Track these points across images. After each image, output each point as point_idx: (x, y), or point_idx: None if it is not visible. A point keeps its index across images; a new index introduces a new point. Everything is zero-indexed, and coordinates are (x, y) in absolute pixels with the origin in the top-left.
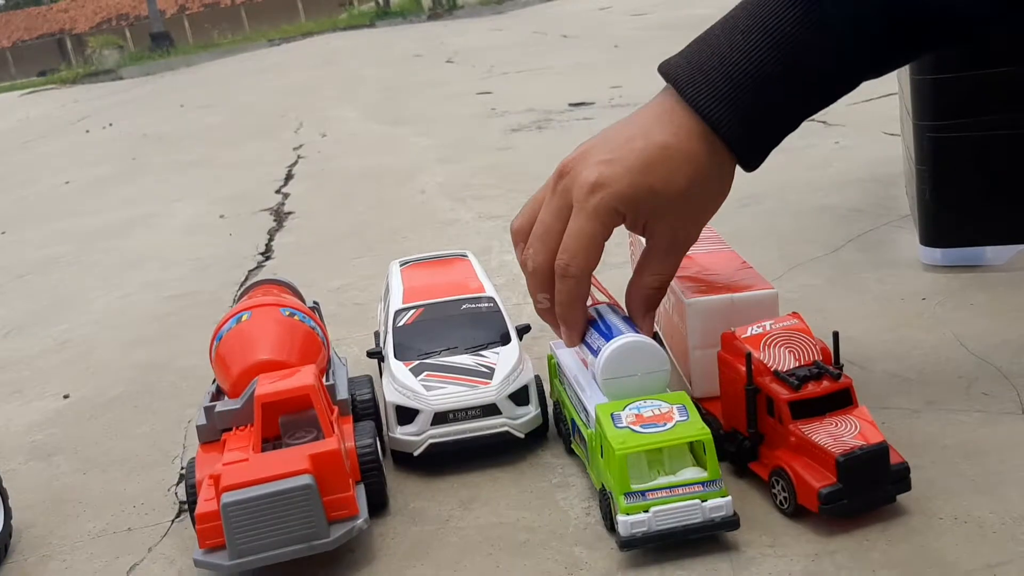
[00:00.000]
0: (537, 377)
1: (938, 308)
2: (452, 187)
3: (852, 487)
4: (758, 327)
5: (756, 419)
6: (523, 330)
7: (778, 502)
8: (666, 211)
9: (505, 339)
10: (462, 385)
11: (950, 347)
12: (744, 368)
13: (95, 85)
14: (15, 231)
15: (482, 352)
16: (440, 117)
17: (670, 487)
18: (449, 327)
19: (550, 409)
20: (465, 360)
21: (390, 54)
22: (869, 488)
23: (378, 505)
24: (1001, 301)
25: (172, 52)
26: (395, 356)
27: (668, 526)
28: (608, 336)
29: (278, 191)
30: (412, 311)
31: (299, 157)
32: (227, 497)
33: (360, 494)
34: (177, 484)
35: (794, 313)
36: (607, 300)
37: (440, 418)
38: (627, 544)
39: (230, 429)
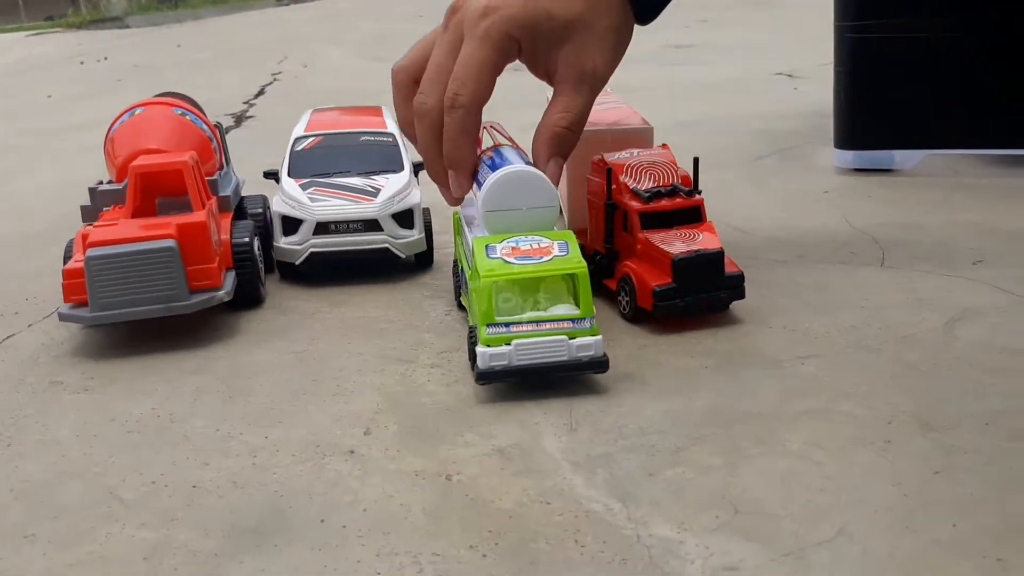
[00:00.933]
0: (426, 210)
1: (837, 198)
2: None
3: (685, 287)
4: (626, 153)
5: (613, 235)
6: (419, 166)
7: (621, 308)
8: (567, 37)
9: (398, 169)
10: (347, 200)
11: (836, 224)
12: (605, 186)
13: (100, 31)
14: None
15: (373, 176)
16: None
17: (536, 321)
18: (345, 154)
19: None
20: (354, 181)
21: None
22: (702, 290)
23: (252, 299)
24: (899, 196)
25: (180, 5)
26: (288, 174)
27: (530, 361)
28: (495, 168)
29: (246, 102)
30: (312, 138)
31: (275, 79)
32: (91, 252)
33: (229, 277)
34: None
35: (664, 145)
36: (508, 143)
37: (322, 228)
38: (484, 376)
39: (109, 210)
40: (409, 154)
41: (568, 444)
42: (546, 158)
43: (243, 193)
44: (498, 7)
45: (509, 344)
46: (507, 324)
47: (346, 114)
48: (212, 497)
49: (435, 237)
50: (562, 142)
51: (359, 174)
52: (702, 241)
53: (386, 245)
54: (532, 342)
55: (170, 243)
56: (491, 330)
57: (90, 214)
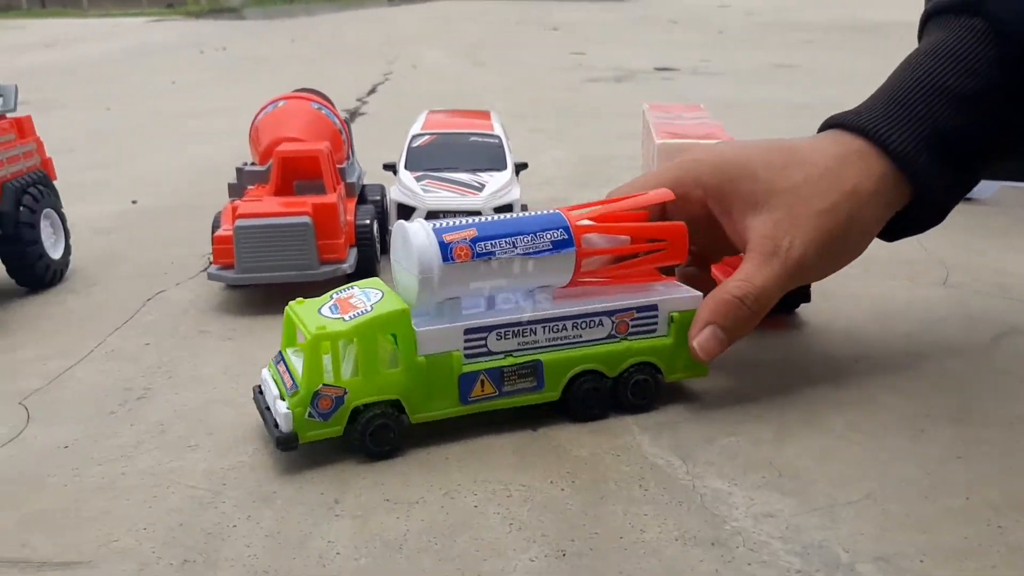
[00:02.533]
0: (524, 206)
1: None
2: (512, 107)
3: None
4: None
5: None
6: (520, 166)
7: None
8: (766, 203)
9: (502, 167)
10: (455, 193)
11: (906, 242)
12: None
13: (218, 21)
14: (119, 109)
15: (479, 173)
16: (524, 65)
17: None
18: (455, 152)
19: None
20: (462, 176)
21: (498, 18)
22: None
23: (369, 273)
24: (971, 223)
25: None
26: (405, 167)
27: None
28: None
29: (359, 99)
30: (427, 136)
31: (386, 79)
32: (240, 222)
33: (352, 254)
34: (209, 252)
35: None
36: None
37: (432, 216)
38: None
39: (253, 188)
40: (512, 155)
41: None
42: (702, 324)
43: (364, 182)
44: (697, 153)
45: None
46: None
47: (458, 116)
48: None
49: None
50: (728, 312)
51: (467, 170)
52: None
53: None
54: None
55: (306, 219)
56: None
57: (236, 190)
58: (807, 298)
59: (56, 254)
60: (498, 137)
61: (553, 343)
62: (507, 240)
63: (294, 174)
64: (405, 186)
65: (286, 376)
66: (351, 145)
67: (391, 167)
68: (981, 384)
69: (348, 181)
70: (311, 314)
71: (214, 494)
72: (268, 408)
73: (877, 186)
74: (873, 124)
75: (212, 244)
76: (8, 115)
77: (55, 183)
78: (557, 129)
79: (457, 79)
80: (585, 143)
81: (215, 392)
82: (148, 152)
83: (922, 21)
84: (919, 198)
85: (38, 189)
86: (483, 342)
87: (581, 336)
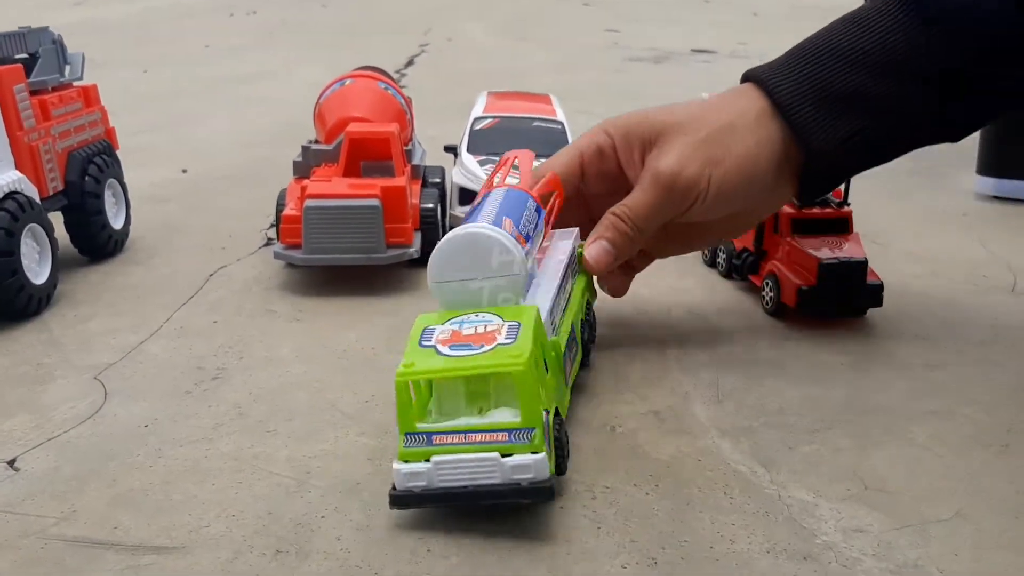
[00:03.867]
0: None
1: (975, 222)
2: (557, 87)
3: (829, 290)
4: None
5: (763, 236)
6: None
7: (764, 303)
8: (656, 140)
9: None
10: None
11: (971, 246)
12: None
13: None
14: (155, 71)
15: (541, 158)
16: (563, 41)
17: (464, 431)
18: (518, 136)
19: None
20: None
21: None
22: (844, 294)
23: None
24: None
25: None
26: (467, 150)
27: (453, 483)
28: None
29: (397, 71)
30: (489, 119)
31: (422, 51)
32: (309, 203)
33: (417, 236)
34: (268, 228)
35: None
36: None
37: None
38: (399, 501)
39: (320, 167)
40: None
41: (715, 413)
42: (594, 238)
43: (425, 163)
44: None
45: (428, 460)
46: (428, 434)
47: (519, 99)
48: None
49: None
50: (612, 228)
51: None
52: (848, 250)
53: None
54: (455, 459)
55: (375, 202)
56: (409, 443)
57: (301, 169)
58: (879, 302)
59: (118, 224)
60: (561, 123)
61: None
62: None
63: (362, 155)
64: (468, 170)
65: (480, 436)
66: (413, 124)
67: (452, 149)
68: None
69: (413, 163)
70: (460, 364)
71: (299, 483)
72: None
73: (758, 123)
74: (766, 73)
75: (278, 223)
76: (75, 83)
77: (117, 152)
78: (605, 113)
79: (497, 55)
80: None
81: (288, 375)
82: (192, 118)
83: None
84: (808, 151)
85: (103, 159)
86: (552, 320)
87: (567, 290)
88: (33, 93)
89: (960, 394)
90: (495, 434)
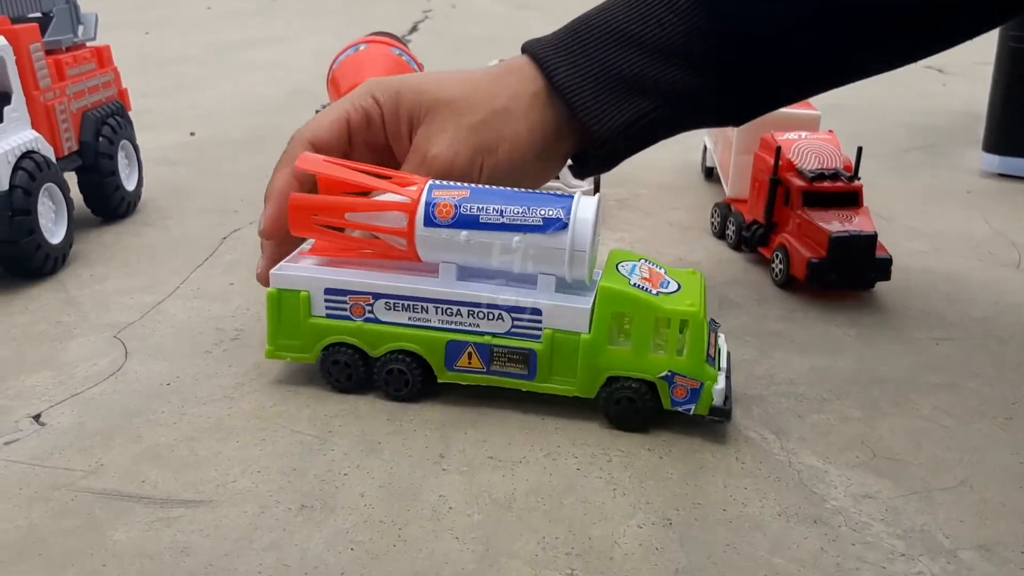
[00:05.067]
0: None
1: (979, 200)
2: None
3: (838, 263)
4: (795, 135)
5: (773, 209)
6: None
7: (774, 275)
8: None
9: None
10: None
11: (975, 221)
12: (773, 162)
13: None
14: (157, 34)
15: None
16: (566, 9)
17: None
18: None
19: None
20: None
21: None
22: (853, 269)
23: None
24: None
25: None
26: None
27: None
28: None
29: (401, 38)
30: None
31: (425, 16)
32: None
33: None
34: None
35: (830, 131)
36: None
37: None
38: (723, 413)
39: None
40: None
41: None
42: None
43: None
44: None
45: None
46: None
47: None
48: (435, 381)
49: (601, 188)
50: None
51: None
52: (858, 224)
53: (560, 187)
54: (723, 387)
55: None
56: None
57: None
58: (888, 276)
59: (130, 185)
60: None
61: None
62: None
63: None
64: None
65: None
66: None
67: None
68: None
69: None
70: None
71: (322, 441)
72: None
73: (532, 106)
74: (544, 52)
75: None
76: (88, 43)
77: (130, 114)
78: None
79: (500, 23)
80: None
81: None
82: (198, 83)
83: None
84: (586, 135)
85: (116, 120)
86: None
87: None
88: (48, 53)
89: (965, 368)
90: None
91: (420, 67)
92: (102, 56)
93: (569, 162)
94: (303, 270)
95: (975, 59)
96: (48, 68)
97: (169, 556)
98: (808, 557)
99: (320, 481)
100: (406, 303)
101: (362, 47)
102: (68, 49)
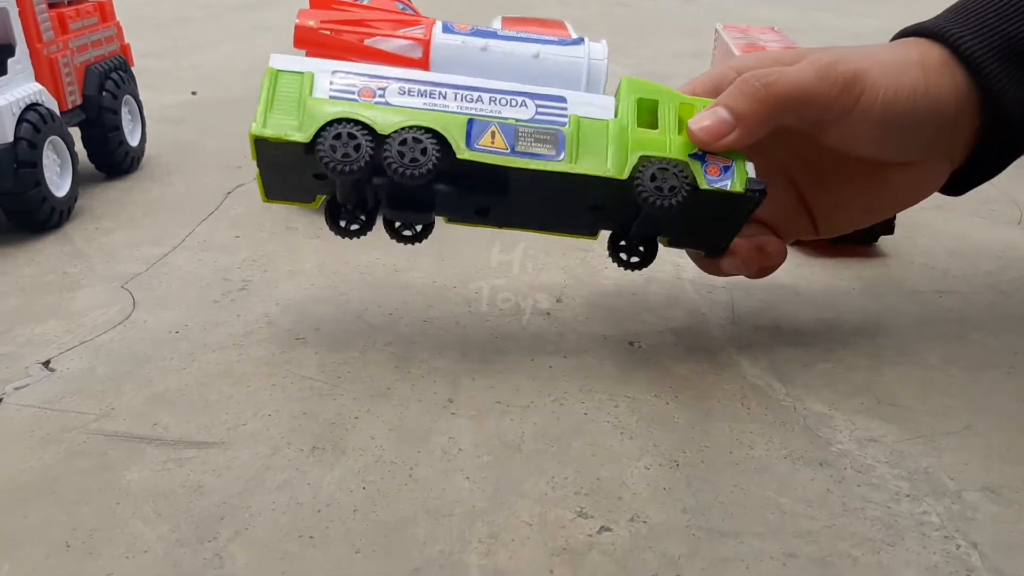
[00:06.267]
0: None
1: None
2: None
3: None
4: None
5: None
6: None
7: None
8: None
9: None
10: None
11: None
12: None
13: None
14: None
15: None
16: None
17: None
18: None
19: None
20: None
21: None
22: None
23: None
24: None
25: None
26: None
27: None
28: None
29: None
30: None
31: None
32: None
33: None
34: None
35: None
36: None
37: None
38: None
39: None
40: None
41: (732, 332)
42: (715, 103)
43: None
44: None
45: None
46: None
47: (535, 25)
48: (441, 331)
49: None
50: (739, 93)
51: None
52: None
53: None
54: None
55: None
56: None
57: None
58: (891, 230)
59: (134, 141)
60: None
61: None
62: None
63: None
64: None
65: None
66: None
67: None
68: None
69: None
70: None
71: (331, 387)
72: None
73: (927, 67)
74: (936, 25)
75: None
76: None
77: (132, 69)
78: (614, 44)
79: None
80: (646, 61)
81: (313, 288)
82: (199, 45)
83: None
84: (996, 111)
85: (119, 74)
86: None
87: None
88: (50, 6)
89: (969, 321)
90: None
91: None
92: (104, 10)
93: None
94: (309, 60)
95: None
96: (51, 21)
97: (183, 494)
98: (814, 497)
99: (331, 424)
100: (422, 87)
101: (366, 1)
102: (70, 3)
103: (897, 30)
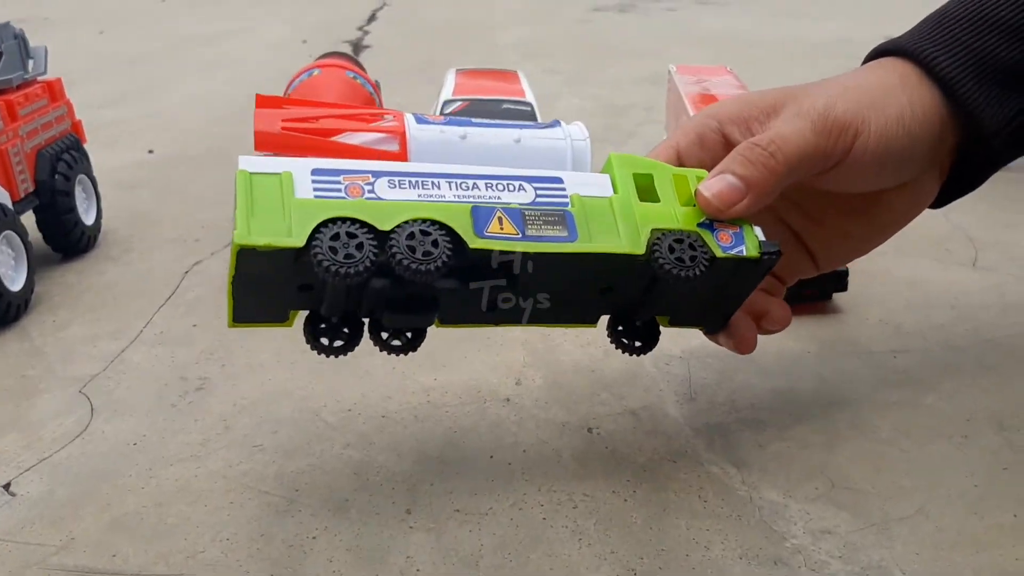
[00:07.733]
0: None
1: None
2: (523, 41)
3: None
4: None
5: None
6: None
7: None
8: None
9: None
10: None
11: (934, 216)
12: None
13: None
14: (112, 31)
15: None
16: None
17: None
18: (489, 118)
19: None
20: None
21: None
22: (809, 282)
23: None
24: (996, 193)
25: None
26: None
27: None
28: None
29: (360, 28)
30: (459, 103)
31: (384, 3)
32: None
33: None
34: None
35: None
36: None
37: None
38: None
39: None
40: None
41: (689, 412)
42: (717, 172)
43: None
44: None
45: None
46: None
47: (487, 78)
48: (399, 427)
49: None
50: (746, 160)
51: None
52: None
53: None
54: None
55: None
56: None
57: None
58: (844, 287)
59: (89, 219)
60: (530, 104)
61: None
62: None
63: None
64: None
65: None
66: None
67: None
68: (1022, 381)
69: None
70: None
71: (289, 502)
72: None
73: (905, 86)
74: (909, 43)
75: None
76: (39, 78)
77: (85, 146)
78: (574, 71)
79: (465, 5)
80: (607, 91)
81: (271, 383)
82: (157, 85)
83: None
84: (972, 130)
85: (71, 155)
86: None
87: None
88: None
89: (923, 383)
90: None
91: (376, 89)
92: (53, 90)
93: None
94: (281, 160)
95: None
96: (0, 111)
97: None
98: None
99: (288, 547)
100: (412, 179)
101: (315, 71)
102: (19, 87)
103: (854, 35)
